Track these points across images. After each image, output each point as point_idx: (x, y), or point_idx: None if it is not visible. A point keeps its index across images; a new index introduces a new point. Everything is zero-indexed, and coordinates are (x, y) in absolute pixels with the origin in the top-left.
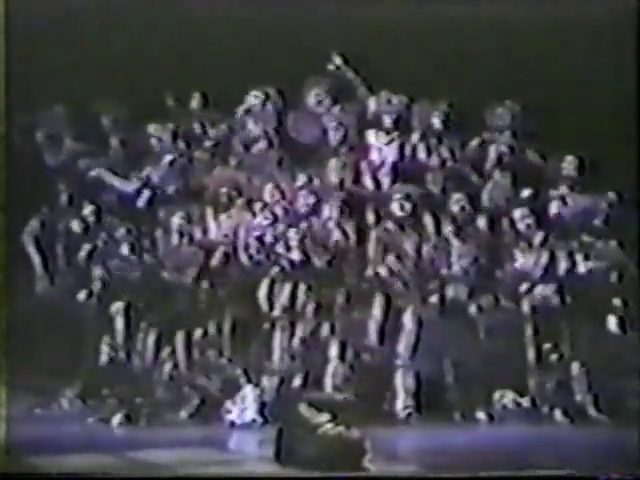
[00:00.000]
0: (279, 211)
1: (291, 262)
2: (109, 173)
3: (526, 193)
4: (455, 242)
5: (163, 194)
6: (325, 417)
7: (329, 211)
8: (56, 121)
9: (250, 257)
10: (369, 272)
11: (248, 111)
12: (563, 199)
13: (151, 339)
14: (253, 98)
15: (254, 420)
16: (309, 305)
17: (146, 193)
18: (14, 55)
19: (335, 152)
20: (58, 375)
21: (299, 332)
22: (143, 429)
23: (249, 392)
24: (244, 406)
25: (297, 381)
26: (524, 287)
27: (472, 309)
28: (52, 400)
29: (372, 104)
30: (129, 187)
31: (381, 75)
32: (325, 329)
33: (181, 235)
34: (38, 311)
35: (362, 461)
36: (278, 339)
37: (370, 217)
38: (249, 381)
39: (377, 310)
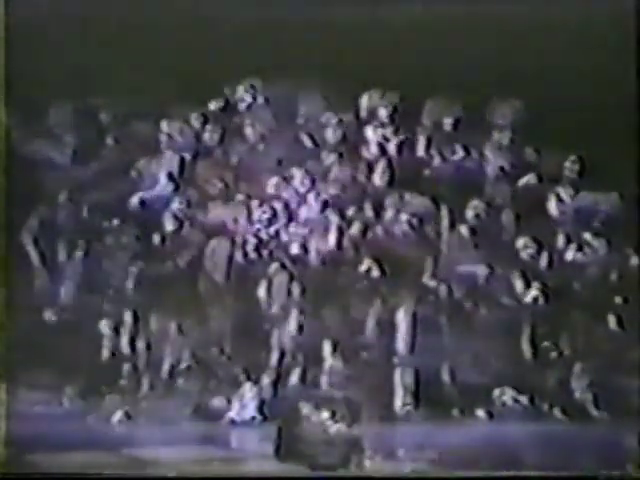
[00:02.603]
0: (278, 207)
1: (291, 258)
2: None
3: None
4: (454, 240)
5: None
6: (325, 415)
7: (328, 208)
8: (56, 120)
9: (246, 254)
10: (367, 269)
11: (248, 108)
12: (563, 197)
13: (151, 337)
14: (249, 96)
15: (254, 417)
16: (308, 302)
17: (146, 190)
18: (14, 55)
19: (335, 150)
20: (58, 373)
21: (299, 329)
22: (143, 427)
23: (248, 389)
24: (244, 403)
25: (296, 378)
26: (524, 284)
27: (469, 306)
28: (53, 398)
29: (368, 102)
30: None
31: (378, 73)
32: (324, 326)
33: (181, 229)
34: (38, 309)
35: (362, 458)
36: (277, 336)
37: (368, 213)
38: (248, 378)
39: (375, 307)
